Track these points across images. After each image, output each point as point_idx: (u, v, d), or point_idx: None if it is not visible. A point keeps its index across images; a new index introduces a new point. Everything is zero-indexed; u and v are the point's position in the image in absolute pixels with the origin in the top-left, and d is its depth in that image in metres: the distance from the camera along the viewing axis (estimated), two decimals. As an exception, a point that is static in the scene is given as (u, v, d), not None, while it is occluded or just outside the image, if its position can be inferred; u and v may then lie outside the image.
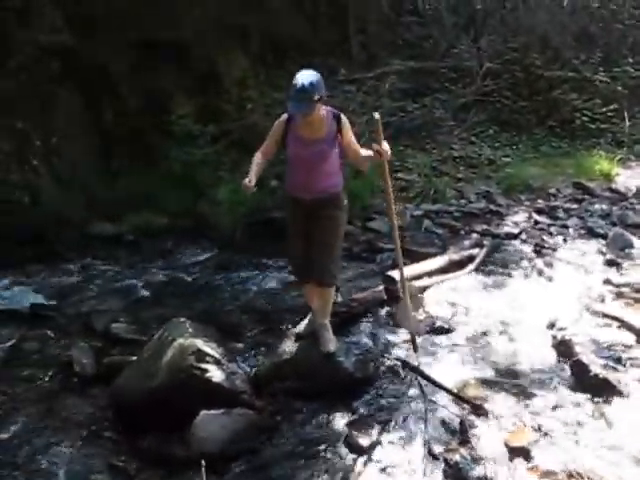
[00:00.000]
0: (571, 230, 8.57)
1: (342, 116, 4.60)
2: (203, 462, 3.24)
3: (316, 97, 4.32)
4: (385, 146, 4.47)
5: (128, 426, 4.50)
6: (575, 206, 9.67)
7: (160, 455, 4.19)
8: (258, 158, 4.69)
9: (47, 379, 5.22)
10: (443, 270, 6.89)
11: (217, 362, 4.58)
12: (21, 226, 8.22)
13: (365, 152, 4.65)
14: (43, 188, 8.72)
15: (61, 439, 4.41)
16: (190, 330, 4.84)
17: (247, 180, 4.47)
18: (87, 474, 4.09)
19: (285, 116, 4.64)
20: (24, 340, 5.84)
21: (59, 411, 4.76)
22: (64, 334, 5.98)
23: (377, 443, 4.20)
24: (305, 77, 4.34)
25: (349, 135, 4.63)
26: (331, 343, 4.85)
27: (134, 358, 5.05)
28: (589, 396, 4.65)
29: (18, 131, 8.63)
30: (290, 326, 5.58)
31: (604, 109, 12.98)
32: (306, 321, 5.20)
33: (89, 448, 4.35)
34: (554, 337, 5.46)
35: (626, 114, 13.09)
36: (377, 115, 4.49)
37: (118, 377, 4.82)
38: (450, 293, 6.43)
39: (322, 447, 4.18)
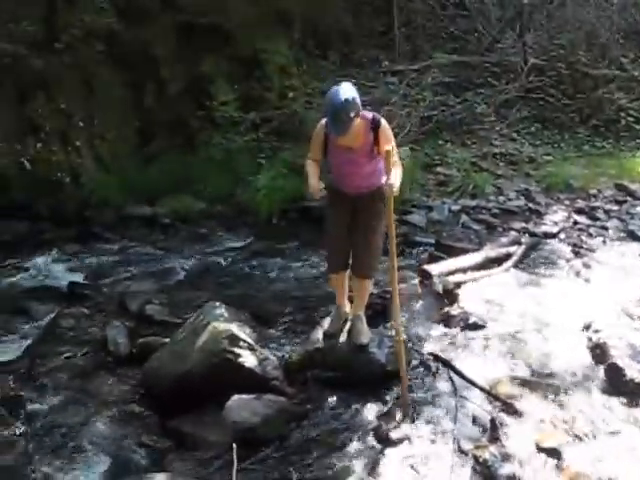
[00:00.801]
0: (611, 232, 8.43)
1: (382, 122, 4.42)
2: (234, 445, 3.27)
3: (352, 114, 4.17)
4: (392, 181, 4.23)
5: (160, 407, 4.56)
6: (616, 207, 9.50)
7: (191, 437, 4.24)
8: (311, 164, 4.60)
9: (82, 356, 5.32)
10: (479, 266, 6.83)
11: (250, 347, 4.62)
12: (62, 206, 8.37)
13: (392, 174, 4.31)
14: (84, 169, 8.83)
15: (94, 416, 4.49)
16: (225, 315, 4.88)
17: (312, 187, 4.42)
18: (118, 451, 4.16)
19: (323, 122, 4.48)
20: (61, 317, 5.96)
21: (92, 389, 4.85)
22: (99, 313, 6.09)
23: (406, 436, 4.17)
24: (342, 93, 4.16)
25: (385, 141, 4.41)
26: (364, 335, 4.85)
27: (167, 340, 5.11)
28: (623, 400, 4.57)
29: (62, 112, 8.74)
30: (322, 315, 5.57)
31: (651, 109, 12.72)
32: (332, 317, 5.16)
33: (120, 426, 4.42)
34: (589, 339, 5.37)
35: (673, 115, 12.81)
36: (389, 147, 4.28)
37: (151, 358, 4.88)
38: (486, 290, 6.35)
39: (351, 437, 4.17)
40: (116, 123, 9.55)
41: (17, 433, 4.29)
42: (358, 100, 4.24)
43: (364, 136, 4.40)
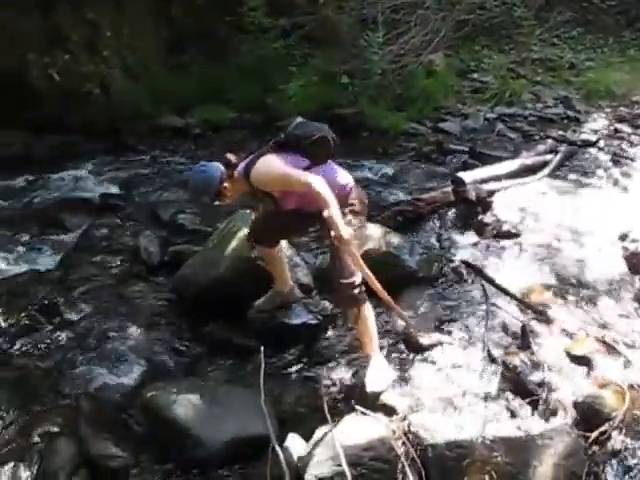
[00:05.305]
0: (653, 140, 8.18)
1: (252, 174, 3.70)
2: (262, 348, 3.30)
3: (207, 199, 3.78)
4: (342, 230, 3.32)
5: (191, 313, 4.60)
6: (660, 115, 9.21)
7: (221, 341, 4.30)
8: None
9: (115, 265, 5.36)
10: (515, 175, 6.69)
11: (280, 254, 4.59)
12: (93, 118, 8.32)
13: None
14: (114, 80, 8.73)
15: (128, 323, 4.54)
16: (255, 221, 4.84)
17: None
18: (151, 356, 4.22)
19: None
20: (94, 228, 6.00)
21: (126, 296, 4.89)
22: (132, 223, 6.12)
23: (437, 343, 4.18)
24: (191, 182, 3.85)
25: (266, 185, 3.75)
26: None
27: (198, 248, 5.11)
28: (658, 309, 4.52)
29: (88, 21, 8.56)
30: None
31: None
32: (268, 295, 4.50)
33: (154, 332, 4.48)
34: (625, 249, 5.28)
35: None
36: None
37: (183, 266, 4.90)
38: (520, 198, 6.24)
39: (381, 343, 4.17)
40: (144, 33, 9.36)
41: (53, 339, 4.37)
42: (211, 183, 3.71)
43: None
